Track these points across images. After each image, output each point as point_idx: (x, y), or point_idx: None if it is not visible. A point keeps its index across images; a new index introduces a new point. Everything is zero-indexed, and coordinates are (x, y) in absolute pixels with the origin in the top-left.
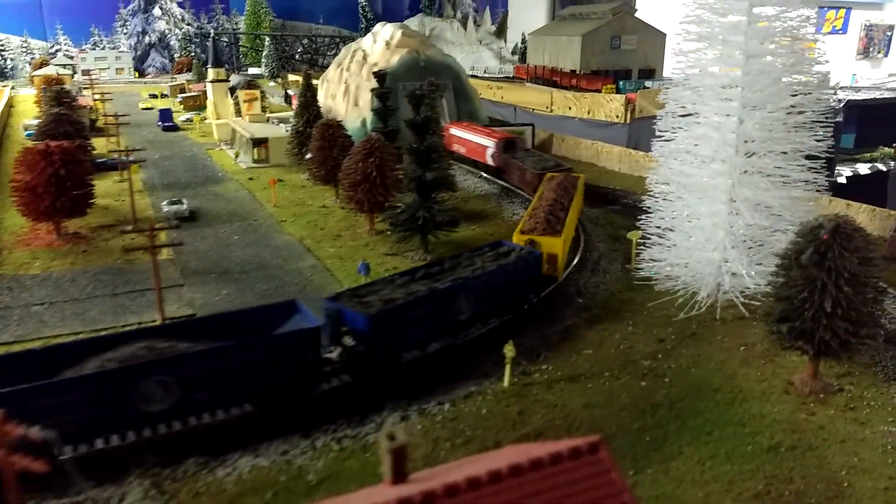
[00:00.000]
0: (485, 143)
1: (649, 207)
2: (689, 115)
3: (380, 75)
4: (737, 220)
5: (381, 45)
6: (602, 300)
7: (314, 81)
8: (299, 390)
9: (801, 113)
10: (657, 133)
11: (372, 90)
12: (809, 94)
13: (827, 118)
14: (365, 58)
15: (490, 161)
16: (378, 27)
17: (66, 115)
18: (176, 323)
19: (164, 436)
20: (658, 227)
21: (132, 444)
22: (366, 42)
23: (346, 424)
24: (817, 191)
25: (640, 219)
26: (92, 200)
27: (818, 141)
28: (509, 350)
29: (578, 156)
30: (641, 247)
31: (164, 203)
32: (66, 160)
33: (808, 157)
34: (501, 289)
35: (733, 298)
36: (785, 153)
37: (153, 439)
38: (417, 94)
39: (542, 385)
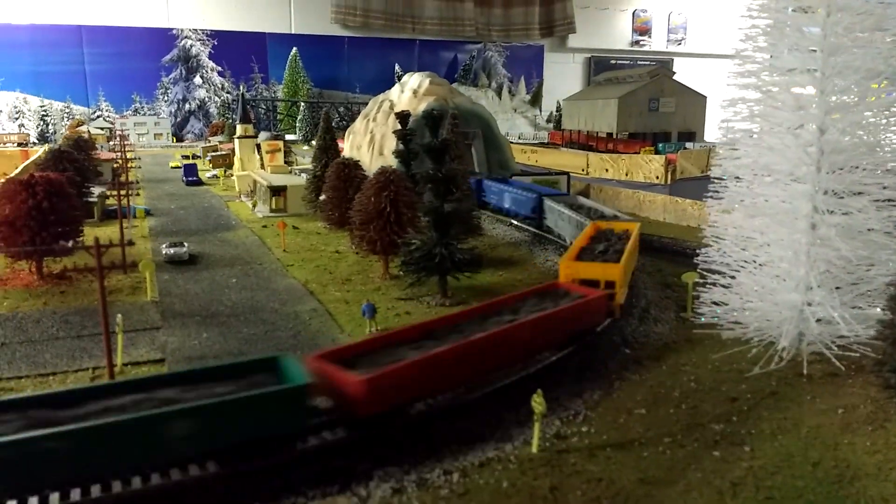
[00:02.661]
0: None
1: (711, 238)
2: (756, 123)
3: (403, 116)
4: (823, 251)
5: (408, 93)
6: (654, 351)
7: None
8: None
9: None
10: (720, 144)
11: (394, 132)
12: None
13: None
14: (392, 108)
15: None
16: (406, 77)
17: (67, 153)
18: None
19: None
20: (722, 263)
21: None
22: (393, 92)
23: (321, 494)
24: None
25: (699, 253)
26: (80, 238)
27: None
28: (538, 404)
29: (618, 205)
30: (700, 289)
31: (163, 246)
32: (50, 192)
33: None
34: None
35: (823, 350)
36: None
37: None
38: (435, 114)
39: (583, 452)
